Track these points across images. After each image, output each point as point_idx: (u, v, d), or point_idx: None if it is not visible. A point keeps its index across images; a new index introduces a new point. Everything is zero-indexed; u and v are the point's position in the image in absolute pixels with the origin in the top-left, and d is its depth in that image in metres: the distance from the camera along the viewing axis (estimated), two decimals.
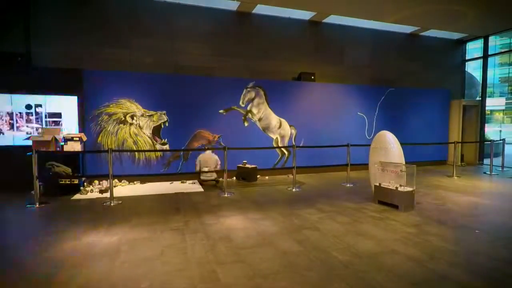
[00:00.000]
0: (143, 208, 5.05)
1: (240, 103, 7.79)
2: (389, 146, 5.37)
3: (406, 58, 10.01)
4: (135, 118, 6.96)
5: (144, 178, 7.05)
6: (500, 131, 19.04)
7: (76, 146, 5.96)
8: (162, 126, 7.17)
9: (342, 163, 7.59)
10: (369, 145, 5.96)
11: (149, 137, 7.09)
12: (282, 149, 8.20)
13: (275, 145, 8.13)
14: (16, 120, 6.22)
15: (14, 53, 6.24)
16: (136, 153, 7.02)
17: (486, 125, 10.52)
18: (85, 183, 6.34)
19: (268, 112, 8.07)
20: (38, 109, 6.31)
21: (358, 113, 9.00)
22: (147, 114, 7.05)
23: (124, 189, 6.41)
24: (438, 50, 10.46)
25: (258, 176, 7.56)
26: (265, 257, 3.15)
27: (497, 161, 9.49)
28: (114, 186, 5.80)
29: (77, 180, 6.03)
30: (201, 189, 6.48)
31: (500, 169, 9.10)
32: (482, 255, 3.24)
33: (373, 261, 3.06)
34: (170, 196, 5.90)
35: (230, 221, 4.37)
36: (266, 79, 8.10)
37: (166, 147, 7.20)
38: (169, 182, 7.17)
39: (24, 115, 6.26)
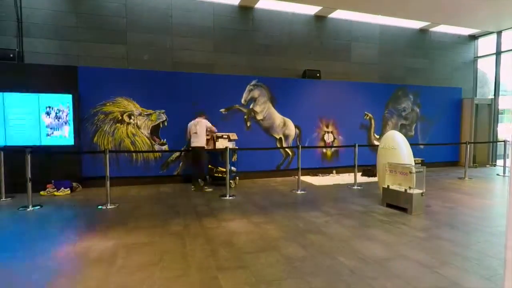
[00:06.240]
0: (140, 211, 4.94)
1: (242, 101, 7.64)
2: (398, 147, 5.24)
3: (416, 54, 9.79)
4: (132, 117, 6.82)
5: (143, 179, 6.87)
6: None
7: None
8: (161, 125, 7.04)
9: (349, 165, 7.41)
10: (377, 145, 5.84)
11: (147, 137, 6.94)
12: (287, 149, 8.05)
13: (279, 146, 7.97)
14: None
15: (6, 50, 6.10)
16: (134, 154, 6.84)
17: (500, 124, 10.23)
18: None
19: (272, 111, 7.91)
20: None
21: (365, 113, 8.82)
22: (145, 113, 6.91)
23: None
24: (449, 46, 10.21)
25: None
26: (269, 263, 3.07)
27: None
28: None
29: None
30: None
31: None
32: (496, 259, 3.13)
33: (382, 267, 2.98)
34: (169, 198, 5.79)
35: (232, 224, 4.27)
36: (269, 77, 7.95)
37: (165, 147, 7.07)
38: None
39: None
